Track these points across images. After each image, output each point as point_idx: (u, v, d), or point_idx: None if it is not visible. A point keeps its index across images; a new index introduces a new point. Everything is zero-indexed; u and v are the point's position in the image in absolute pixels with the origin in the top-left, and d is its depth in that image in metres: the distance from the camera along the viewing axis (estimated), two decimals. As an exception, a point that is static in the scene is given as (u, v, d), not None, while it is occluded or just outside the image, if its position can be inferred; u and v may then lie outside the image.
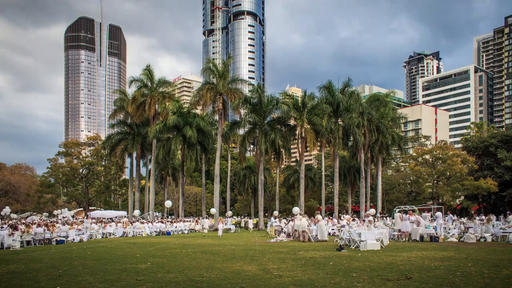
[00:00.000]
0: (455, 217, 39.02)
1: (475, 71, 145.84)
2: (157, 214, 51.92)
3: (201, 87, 40.26)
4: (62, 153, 62.52)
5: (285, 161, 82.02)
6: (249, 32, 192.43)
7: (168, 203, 41.44)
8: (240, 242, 22.12)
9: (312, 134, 39.67)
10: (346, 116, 41.13)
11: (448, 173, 52.44)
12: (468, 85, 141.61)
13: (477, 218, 33.61)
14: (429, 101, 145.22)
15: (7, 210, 39.47)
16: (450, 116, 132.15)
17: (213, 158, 52.01)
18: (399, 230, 21.79)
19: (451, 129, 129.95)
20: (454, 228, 25.91)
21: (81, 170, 62.71)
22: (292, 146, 49.36)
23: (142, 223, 33.87)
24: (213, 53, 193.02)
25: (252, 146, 61.21)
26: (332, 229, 27.77)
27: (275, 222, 31.74)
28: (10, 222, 27.85)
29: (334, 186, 44.65)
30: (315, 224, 22.61)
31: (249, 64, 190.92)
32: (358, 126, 40.94)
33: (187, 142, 43.27)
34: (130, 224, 32.00)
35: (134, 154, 47.85)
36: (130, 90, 45.86)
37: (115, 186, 68.00)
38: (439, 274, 9.45)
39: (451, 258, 12.90)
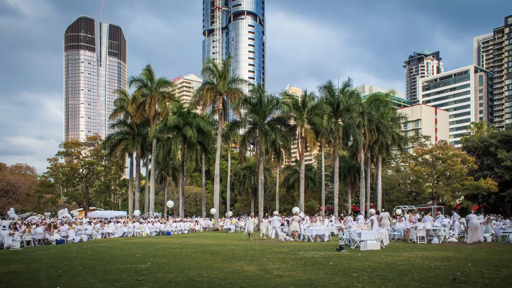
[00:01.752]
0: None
1: (475, 71, 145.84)
2: (157, 214, 51.95)
3: (201, 87, 40.26)
4: (62, 153, 62.57)
5: (285, 161, 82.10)
6: (249, 32, 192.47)
7: (170, 203, 41.46)
8: (240, 242, 22.12)
9: (312, 134, 39.67)
10: (346, 116, 41.12)
11: (448, 173, 52.48)
12: (468, 85, 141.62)
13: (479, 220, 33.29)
14: (429, 101, 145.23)
15: (11, 212, 38.98)
16: (450, 116, 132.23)
17: (213, 158, 52.02)
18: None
19: (451, 129, 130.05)
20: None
21: (81, 170, 62.75)
22: (292, 146, 49.32)
23: (141, 223, 33.85)
24: (213, 53, 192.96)
25: (252, 146, 61.15)
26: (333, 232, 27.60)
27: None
28: (11, 221, 27.80)
29: (334, 186, 44.64)
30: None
31: (249, 64, 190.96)
32: (358, 126, 40.93)
33: (187, 142, 43.26)
34: (130, 223, 31.99)
35: (134, 154, 47.87)
36: (130, 90, 45.92)
37: (115, 186, 68.06)
38: (439, 274, 9.44)
39: (451, 258, 12.89)
